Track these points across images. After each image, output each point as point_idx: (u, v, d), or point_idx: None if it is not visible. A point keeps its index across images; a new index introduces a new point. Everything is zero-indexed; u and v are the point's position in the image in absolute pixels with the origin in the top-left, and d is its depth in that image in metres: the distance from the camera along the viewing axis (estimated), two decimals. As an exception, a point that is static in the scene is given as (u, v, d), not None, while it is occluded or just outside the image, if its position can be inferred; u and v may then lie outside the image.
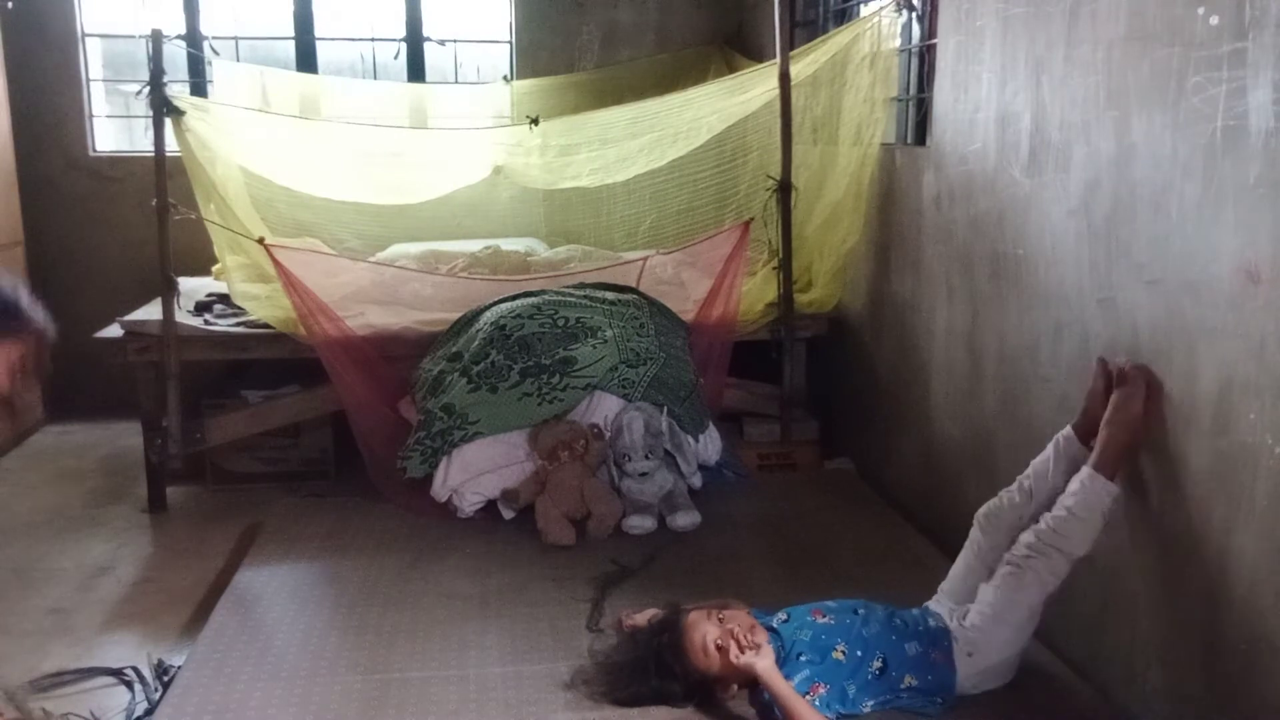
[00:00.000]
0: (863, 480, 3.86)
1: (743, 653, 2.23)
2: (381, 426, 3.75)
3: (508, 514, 3.45)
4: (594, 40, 5.52)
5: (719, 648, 2.27)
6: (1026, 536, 2.32)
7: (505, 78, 5.42)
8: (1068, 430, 2.44)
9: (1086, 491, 2.27)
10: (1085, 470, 2.29)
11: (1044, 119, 2.65)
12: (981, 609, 2.33)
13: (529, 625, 2.73)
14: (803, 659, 2.28)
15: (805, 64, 3.96)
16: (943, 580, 2.54)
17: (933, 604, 2.49)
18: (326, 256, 4.25)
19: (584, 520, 3.34)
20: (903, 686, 2.28)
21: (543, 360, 3.48)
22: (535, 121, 4.28)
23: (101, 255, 5.07)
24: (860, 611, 2.39)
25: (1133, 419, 2.25)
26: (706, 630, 2.29)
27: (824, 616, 2.38)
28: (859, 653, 2.29)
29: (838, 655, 2.29)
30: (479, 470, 3.47)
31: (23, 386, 1.97)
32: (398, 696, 2.40)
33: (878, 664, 2.29)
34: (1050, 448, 2.46)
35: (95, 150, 5.14)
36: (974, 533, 2.52)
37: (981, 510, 2.52)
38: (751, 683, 2.28)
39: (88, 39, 5.08)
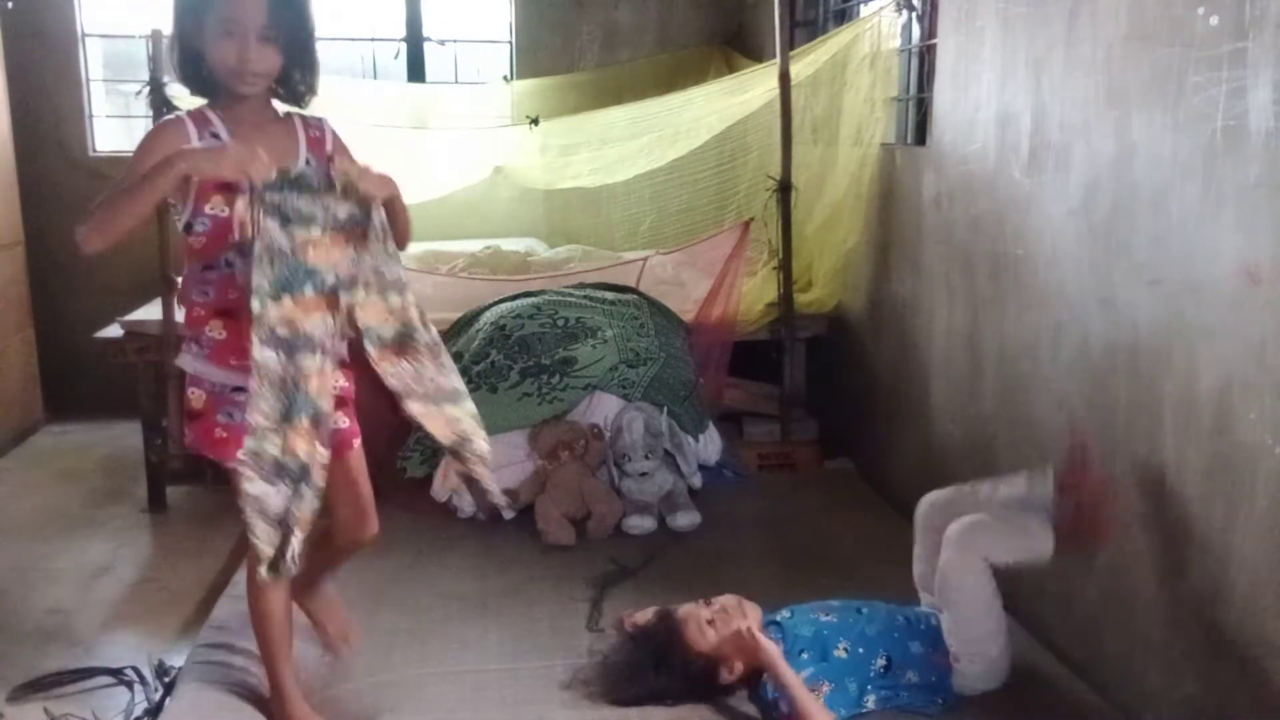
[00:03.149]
0: (863, 480, 3.86)
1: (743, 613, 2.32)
2: (381, 427, 3.74)
3: (508, 514, 3.44)
4: (594, 40, 5.52)
5: (712, 621, 2.33)
6: (953, 529, 2.32)
7: (505, 78, 5.42)
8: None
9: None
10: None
11: (1044, 119, 2.65)
12: (947, 612, 2.34)
13: (528, 625, 2.73)
14: (804, 656, 2.28)
15: (805, 64, 3.96)
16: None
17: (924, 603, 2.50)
18: (326, 256, 4.24)
19: (584, 520, 3.34)
20: (904, 683, 2.28)
21: (542, 360, 3.48)
22: (535, 122, 4.28)
23: (101, 255, 5.01)
24: (863, 611, 2.39)
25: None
26: (699, 613, 2.37)
27: (827, 615, 2.38)
28: (861, 650, 2.29)
29: (840, 653, 2.29)
30: (479, 470, 3.47)
31: None
32: (396, 695, 2.40)
33: (882, 662, 2.29)
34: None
35: (95, 150, 5.13)
36: (916, 523, 2.55)
37: (925, 500, 2.54)
38: (754, 674, 2.29)
39: (88, 39, 5.07)
